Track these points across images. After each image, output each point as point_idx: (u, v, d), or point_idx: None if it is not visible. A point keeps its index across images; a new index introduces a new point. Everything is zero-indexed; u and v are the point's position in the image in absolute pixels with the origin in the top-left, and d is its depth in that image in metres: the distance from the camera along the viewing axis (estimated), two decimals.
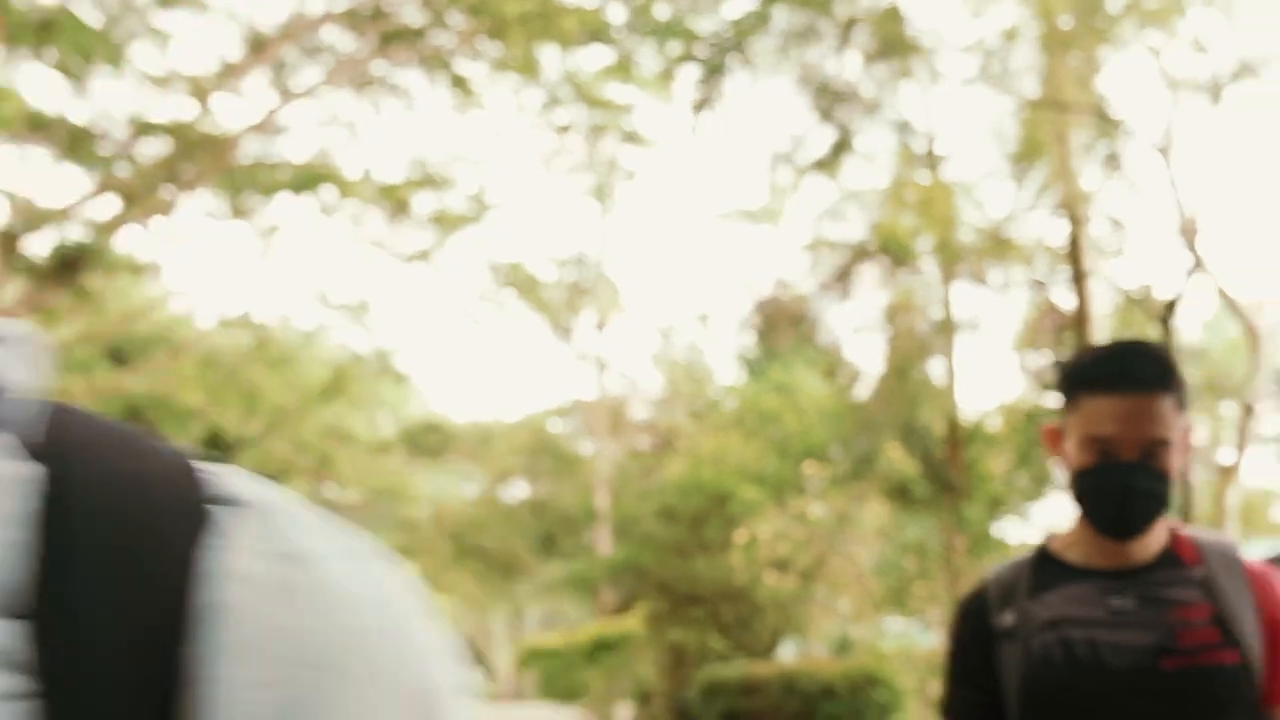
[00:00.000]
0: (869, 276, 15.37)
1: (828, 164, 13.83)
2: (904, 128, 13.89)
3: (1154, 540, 2.14)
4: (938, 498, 15.10)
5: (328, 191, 22.26)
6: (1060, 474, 2.23)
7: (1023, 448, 15.20)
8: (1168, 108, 13.24)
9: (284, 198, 16.41)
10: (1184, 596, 2.08)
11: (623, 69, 14.65)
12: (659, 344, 25.91)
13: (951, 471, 15.30)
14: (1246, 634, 2.04)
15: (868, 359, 17.64)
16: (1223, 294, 15.32)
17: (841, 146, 13.34)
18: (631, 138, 17.81)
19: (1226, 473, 16.01)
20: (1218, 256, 34.02)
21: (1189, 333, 25.41)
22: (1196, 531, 2.24)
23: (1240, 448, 15.87)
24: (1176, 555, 2.14)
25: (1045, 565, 2.19)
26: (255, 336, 24.28)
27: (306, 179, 17.03)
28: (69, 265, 13.88)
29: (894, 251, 14.04)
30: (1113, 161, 13.40)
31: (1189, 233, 12.70)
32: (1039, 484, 15.45)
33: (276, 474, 29.55)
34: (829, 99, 12.71)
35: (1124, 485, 2.04)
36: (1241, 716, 2.03)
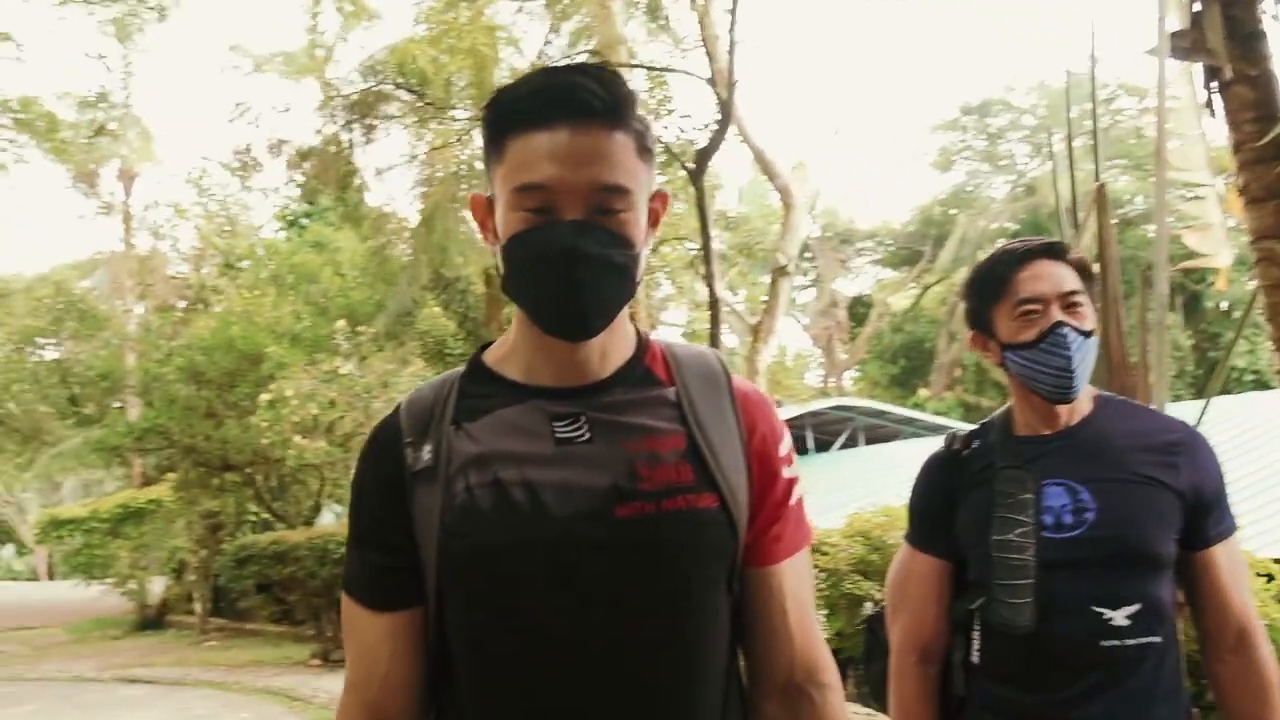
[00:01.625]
0: (398, 119, 14.49)
1: None
2: None
3: (617, 347, 1.68)
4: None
5: None
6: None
7: None
8: None
9: None
10: (652, 423, 1.63)
11: None
12: (193, 196, 24.13)
13: (491, 329, 15.03)
14: (728, 471, 1.63)
15: (405, 210, 16.83)
16: (758, 154, 15.82)
17: None
18: None
19: (757, 333, 16.74)
20: (757, 117, 35.81)
21: (727, 200, 26.63)
22: (671, 341, 1.80)
23: (771, 310, 16.61)
24: (647, 370, 1.70)
25: (477, 383, 1.68)
26: None
27: None
28: None
29: (421, 90, 13.25)
30: (654, 8, 13.29)
31: (722, 85, 12.79)
32: None
33: None
34: None
35: (567, 252, 1.50)
36: (716, 574, 1.61)
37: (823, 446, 24.12)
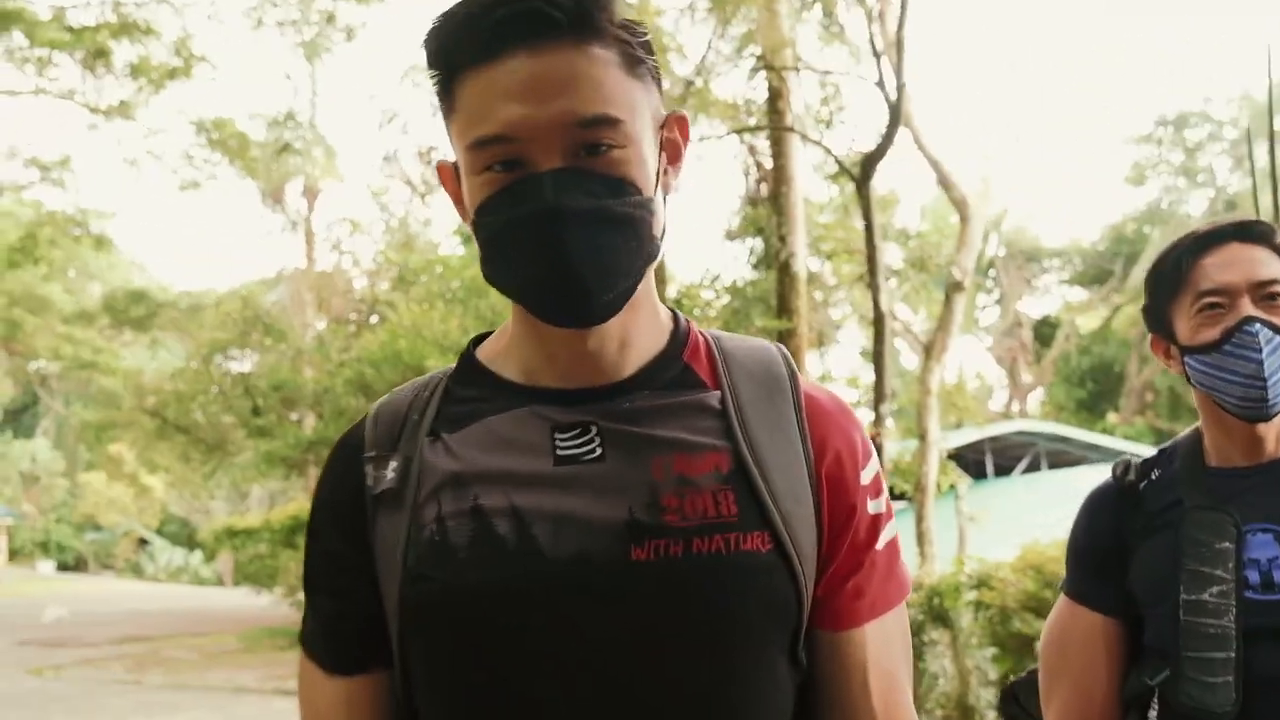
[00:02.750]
0: None
1: None
2: None
3: (643, 337, 1.28)
4: None
5: (16, 36, 20.26)
6: None
7: (729, 324, 14.75)
8: None
9: None
10: (686, 436, 1.24)
11: None
12: (375, 212, 24.65)
13: None
14: (786, 501, 1.23)
15: None
16: (934, 164, 15.16)
17: None
18: None
19: (929, 351, 16.04)
20: (936, 127, 34.98)
21: (908, 216, 25.87)
22: (722, 333, 1.37)
23: (944, 328, 15.90)
24: (685, 367, 1.30)
25: (465, 384, 1.32)
26: None
27: None
28: None
29: None
30: (827, 9, 12.85)
31: (890, 88, 12.28)
32: None
33: None
34: None
35: (549, 213, 1.13)
36: (770, 638, 1.22)
37: (1002, 472, 23.22)
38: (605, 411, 1.23)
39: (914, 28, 27.90)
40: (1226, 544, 1.84)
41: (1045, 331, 39.35)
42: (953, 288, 15.40)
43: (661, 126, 1.24)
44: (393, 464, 1.24)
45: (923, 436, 15.45)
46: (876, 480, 1.32)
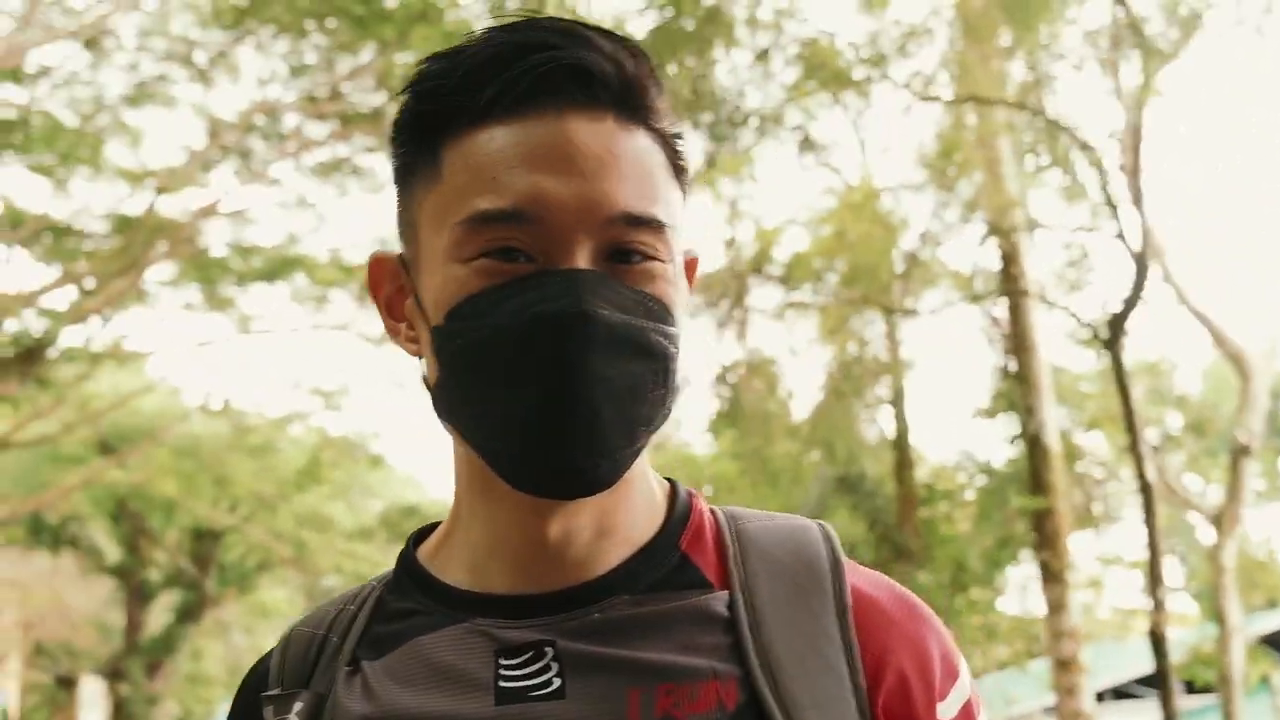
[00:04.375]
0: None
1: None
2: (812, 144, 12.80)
3: (627, 519, 0.95)
4: (888, 565, 13.76)
5: (299, 278, 22.22)
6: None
7: (984, 506, 13.85)
8: (1123, 110, 12.17)
9: (257, 286, 16.87)
10: (679, 659, 0.89)
11: None
12: None
13: (905, 533, 14.01)
14: None
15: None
16: (1202, 319, 14.05)
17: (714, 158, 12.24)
18: None
19: (1219, 524, 14.60)
20: (1200, 282, 32.99)
21: (1187, 384, 24.17)
22: (743, 511, 1.01)
23: (1234, 497, 14.46)
24: (683, 559, 0.96)
25: (400, 591, 1.01)
26: (233, 425, 24.57)
27: (278, 267, 17.52)
28: (27, 355, 14.18)
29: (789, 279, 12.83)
30: (1063, 168, 12.32)
31: (1147, 249, 11.52)
32: (1005, 547, 14.00)
33: (258, 563, 29.26)
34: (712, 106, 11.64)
35: (574, 320, 0.84)
36: None
37: None
38: (567, 627, 0.90)
39: (1159, 175, 26.72)
40: None
41: None
42: (1239, 452, 14.08)
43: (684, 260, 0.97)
44: (297, 706, 0.93)
45: (1221, 620, 13.96)
46: (968, 711, 0.94)
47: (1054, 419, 12.34)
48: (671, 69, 10.95)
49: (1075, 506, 15.98)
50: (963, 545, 14.11)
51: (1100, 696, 22.70)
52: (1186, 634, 19.64)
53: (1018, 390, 12.73)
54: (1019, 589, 15.37)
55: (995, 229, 12.14)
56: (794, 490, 14.83)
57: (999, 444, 14.79)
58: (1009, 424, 14.28)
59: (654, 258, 0.87)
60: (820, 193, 13.36)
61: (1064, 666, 11.75)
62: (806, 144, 12.40)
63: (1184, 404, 20.47)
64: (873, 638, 0.89)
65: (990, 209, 11.79)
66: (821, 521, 0.98)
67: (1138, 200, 11.23)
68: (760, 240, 13.08)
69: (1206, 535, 25.21)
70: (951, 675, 0.93)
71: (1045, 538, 11.87)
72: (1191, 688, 20.48)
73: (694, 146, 14.30)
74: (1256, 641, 15.41)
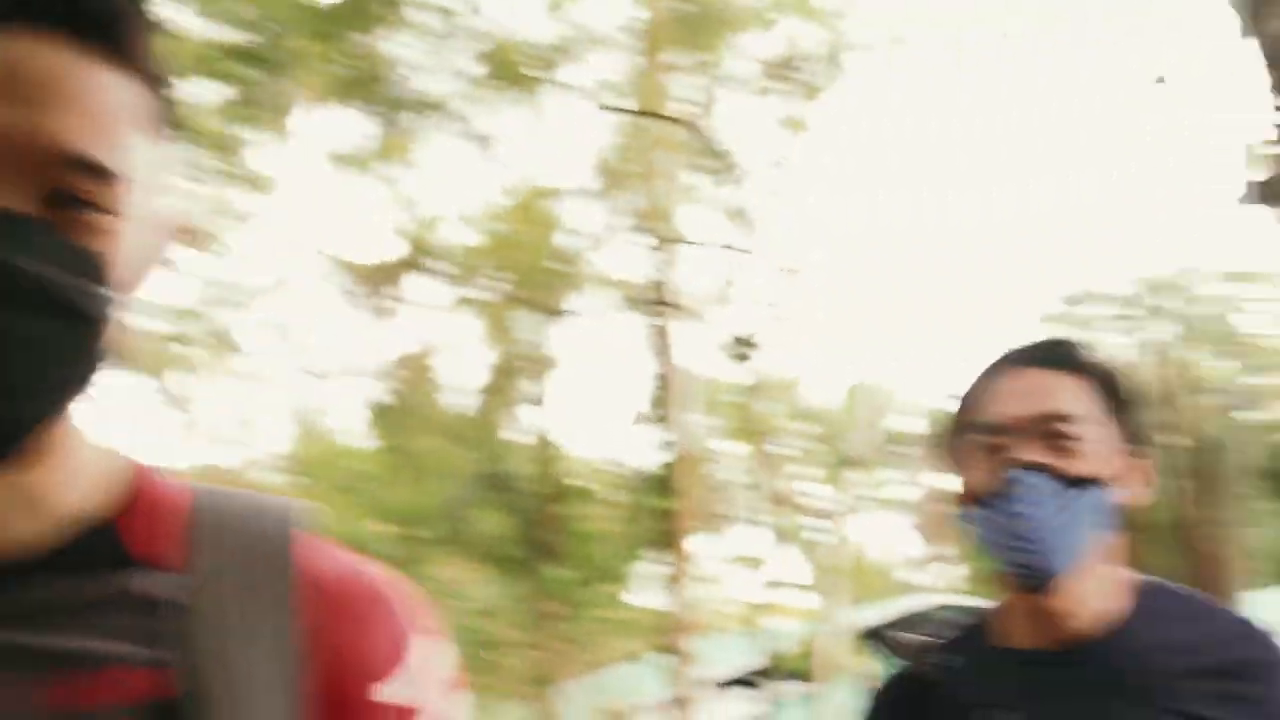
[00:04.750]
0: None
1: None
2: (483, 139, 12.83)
3: (56, 493, 0.82)
4: (529, 560, 14.04)
5: None
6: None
7: (624, 506, 14.38)
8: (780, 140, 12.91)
9: None
10: (98, 646, 0.77)
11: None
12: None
13: (548, 532, 14.32)
14: None
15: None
16: (826, 337, 15.16)
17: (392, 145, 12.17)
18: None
19: (832, 528, 15.81)
20: (832, 306, 35.54)
21: (823, 400, 25.93)
22: (215, 488, 0.92)
23: (847, 503, 15.72)
24: (115, 537, 0.83)
25: None
26: None
27: None
28: None
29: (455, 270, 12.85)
30: (721, 187, 12.94)
31: (789, 270, 12.31)
32: (638, 545, 14.52)
33: None
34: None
35: None
36: None
37: None
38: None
39: (806, 203, 28.44)
40: None
41: None
42: (849, 463, 15.31)
43: (162, 223, 0.86)
44: None
45: (828, 616, 15.09)
46: (413, 702, 0.85)
47: (694, 426, 12.93)
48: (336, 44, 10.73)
49: (706, 509, 16.80)
50: (599, 543, 14.58)
51: (718, 686, 23.96)
52: (801, 628, 21.06)
53: (663, 397, 13.26)
54: (649, 585, 16.01)
55: (657, 240, 12.60)
56: (442, 486, 14.83)
57: (648, 448, 15.31)
58: (658, 430, 14.88)
59: (94, 206, 0.76)
60: (489, 189, 13.36)
61: (681, 657, 12.36)
62: (475, 137, 12.46)
63: (816, 418, 21.95)
64: (317, 616, 0.84)
65: (652, 220, 12.26)
66: (294, 500, 0.92)
67: (784, 224, 11.98)
68: (421, 230, 12.96)
69: (824, 539, 27.15)
70: (395, 660, 0.86)
71: (674, 537, 12.43)
72: (802, 677, 22.00)
73: (357, 127, 13.93)
74: (858, 635, 16.67)
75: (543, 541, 14.15)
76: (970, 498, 1.52)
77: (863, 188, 26.51)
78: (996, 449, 1.49)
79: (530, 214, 12.41)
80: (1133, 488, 1.53)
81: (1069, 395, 1.51)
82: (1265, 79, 4.60)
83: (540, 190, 13.08)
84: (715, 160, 12.74)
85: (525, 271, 12.28)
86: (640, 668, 19.25)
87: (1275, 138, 4.64)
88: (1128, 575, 1.55)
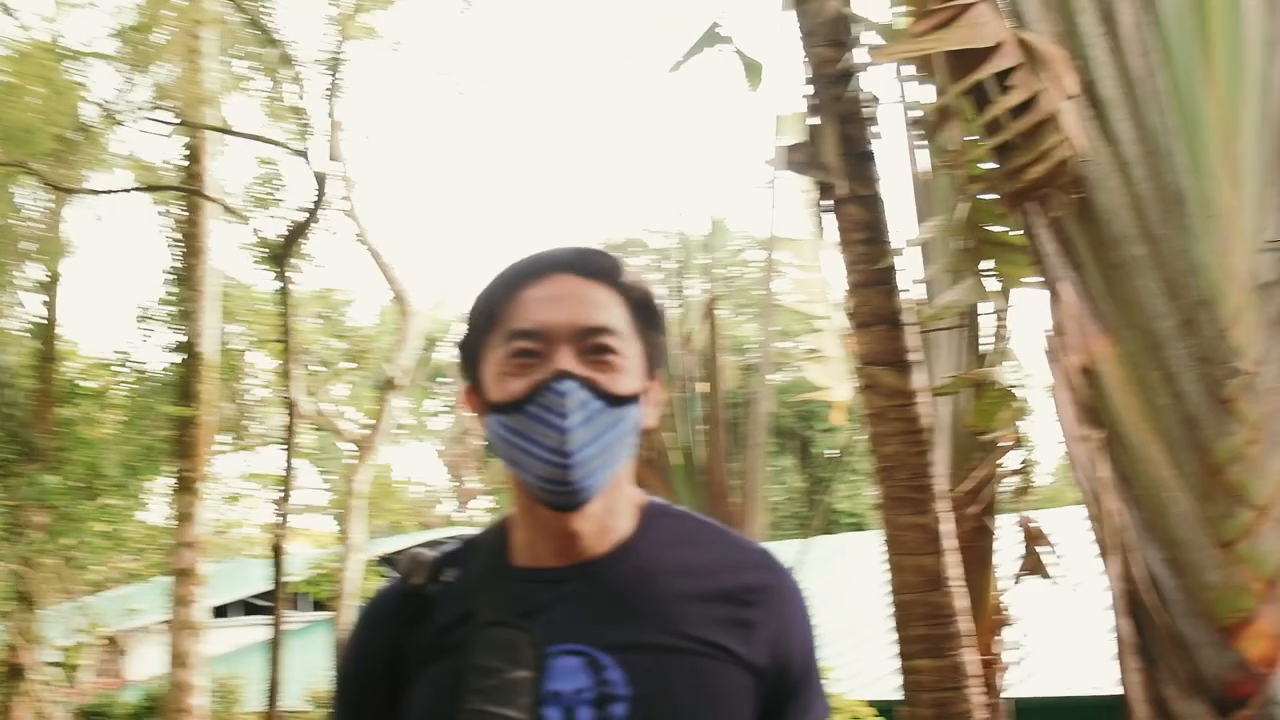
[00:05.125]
0: None
1: None
2: None
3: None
4: (12, 464, 12.62)
5: None
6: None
7: (133, 410, 13.24)
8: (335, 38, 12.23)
9: None
10: None
11: None
12: None
13: (44, 435, 12.95)
14: None
15: None
16: (375, 255, 14.65)
17: None
18: None
19: (360, 451, 15.42)
20: (380, 221, 35.21)
21: (361, 318, 25.39)
22: None
23: (378, 427, 15.34)
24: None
25: None
26: None
27: None
28: None
29: None
30: (269, 78, 12.11)
31: (332, 176, 11.69)
32: (148, 456, 13.43)
33: None
34: None
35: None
36: None
37: None
38: None
39: (360, 112, 27.74)
40: (524, 672, 1.40)
41: None
42: (386, 385, 14.94)
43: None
44: None
45: (345, 540, 14.79)
46: None
47: (216, 330, 12.04)
48: None
49: (226, 422, 15.90)
50: (107, 452, 13.36)
51: (226, 610, 23.05)
52: (321, 553, 20.60)
53: (183, 295, 12.31)
54: (158, 500, 14.93)
55: (185, 122, 11.53)
56: None
57: (159, 348, 14.16)
58: (172, 328, 13.79)
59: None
60: None
61: (184, 577, 11.58)
62: None
63: (352, 336, 21.38)
64: None
65: (183, 101, 11.17)
66: None
67: (333, 128, 11.37)
68: None
69: (353, 464, 26.73)
70: None
71: (186, 448, 11.57)
72: (321, 605, 21.54)
73: None
74: (376, 561, 16.55)
75: (37, 445, 12.75)
76: (498, 406, 1.44)
77: (426, 107, 26.11)
78: (531, 354, 1.44)
79: (40, 70, 10.87)
80: (653, 409, 1.52)
81: (610, 309, 1.48)
82: (800, 51, 4.70)
83: (53, 46, 11.57)
84: (270, 49, 11.86)
85: (25, 133, 10.75)
86: (145, 589, 18.03)
87: (805, 106, 4.76)
88: (639, 495, 1.55)
